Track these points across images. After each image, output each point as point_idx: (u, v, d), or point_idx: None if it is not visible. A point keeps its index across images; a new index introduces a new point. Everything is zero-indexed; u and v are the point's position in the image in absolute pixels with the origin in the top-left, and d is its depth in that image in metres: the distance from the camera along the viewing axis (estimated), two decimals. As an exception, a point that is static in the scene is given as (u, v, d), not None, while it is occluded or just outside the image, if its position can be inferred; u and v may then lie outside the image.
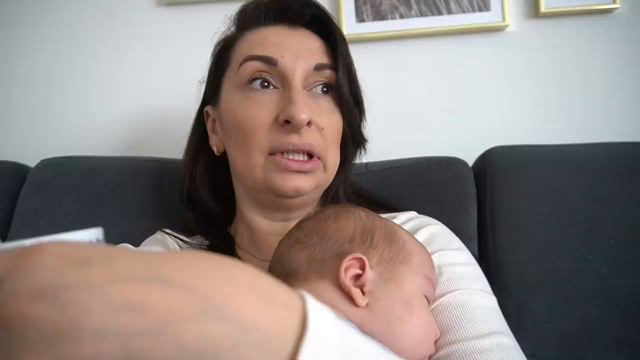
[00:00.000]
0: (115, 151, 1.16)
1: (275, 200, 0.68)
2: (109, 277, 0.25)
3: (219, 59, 0.75)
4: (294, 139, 0.64)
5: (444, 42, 1.16)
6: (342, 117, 0.71)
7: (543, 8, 1.11)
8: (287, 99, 0.65)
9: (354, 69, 0.74)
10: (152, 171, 0.99)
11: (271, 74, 0.67)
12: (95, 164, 1.02)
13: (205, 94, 0.78)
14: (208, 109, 0.77)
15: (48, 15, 1.22)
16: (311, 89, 0.69)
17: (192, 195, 0.78)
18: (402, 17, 1.15)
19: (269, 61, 0.67)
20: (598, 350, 0.79)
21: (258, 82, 0.67)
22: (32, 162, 1.05)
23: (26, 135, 1.22)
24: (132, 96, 1.21)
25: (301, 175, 0.65)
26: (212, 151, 0.76)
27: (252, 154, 0.66)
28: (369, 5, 1.15)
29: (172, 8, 1.21)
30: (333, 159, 0.70)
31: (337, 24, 0.73)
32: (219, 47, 0.76)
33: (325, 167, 0.68)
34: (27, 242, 0.30)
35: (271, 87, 0.67)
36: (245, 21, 0.73)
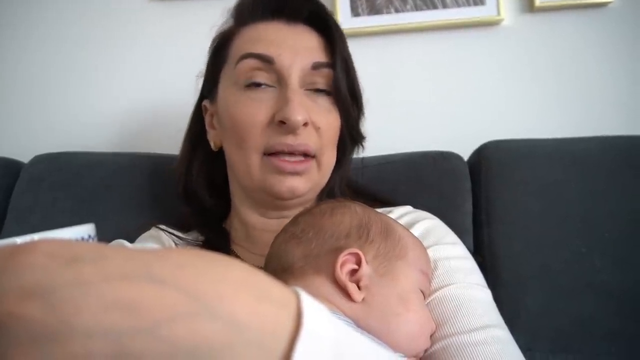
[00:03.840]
0: (110, 147, 1.15)
1: (271, 201, 0.68)
2: (101, 275, 0.25)
3: (217, 54, 0.74)
4: (289, 140, 0.64)
5: (439, 37, 1.15)
6: (340, 116, 0.70)
7: (538, 2, 1.11)
8: (283, 98, 0.64)
9: (353, 66, 0.73)
10: (147, 167, 0.99)
11: (268, 72, 0.66)
12: (89, 159, 1.01)
13: (203, 88, 0.78)
14: (206, 103, 0.76)
15: (42, 12, 1.22)
16: (308, 87, 0.68)
17: (188, 188, 0.78)
18: (397, 11, 1.14)
19: (266, 59, 0.66)
20: (592, 343, 0.79)
21: (254, 80, 0.66)
22: (25, 157, 1.05)
23: (20, 131, 1.21)
24: (126, 92, 1.20)
25: (295, 177, 0.65)
26: (209, 145, 0.75)
27: (248, 153, 0.66)
28: (364, 0, 1.15)
29: (165, 3, 1.20)
30: (328, 158, 0.70)
31: (336, 20, 0.72)
32: (216, 42, 0.75)
33: (319, 166, 0.68)
34: (18, 239, 0.30)
35: (268, 85, 0.67)
36: (243, 16, 0.72)
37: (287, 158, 0.64)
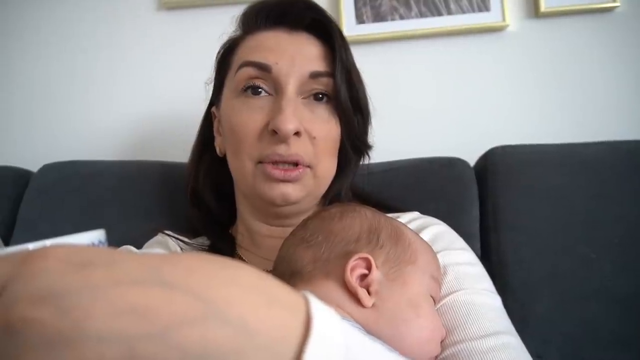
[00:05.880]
0: (117, 155, 1.16)
1: (268, 208, 0.68)
2: (112, 280, 0.25)
3: (222, 61, 0.75)
4: (281, 150, 0.63)
5: (444, 43, 1.16)
6: (340, 125, 0.70)
7: (543, 8, 1.11)
8: (277, 107, 0.64)
9: (356, 74, 0.72)
10: (154, 175, 0.99)
11: (265, 81, 0.67)
12: (97, 168, 1.02)
13: (212, 94, 0.79)
14: (214, 109, 0.77)
15: (49, 20, 1.23)
16: (307, 96, 0.68)
17: (196, 191, 0.78)
18: (402, 18, 1.15)
19: (263, 68, 0.66)
20: (601, 349, 0.79)
21: (252, 88, 0.67)
22: (34, 167, 1.06)
23: (28, 141, 1.22)
24: (133, 100, 1.21)
25: (287, 184, 0.64)
26: (216, 151, 0.76)
27: (243, 160, 0.66)
28: (368, 7, 1.15)
29: (173, 12, 1.21)
30: (325, 167, 0.69)
31: (338, 27, 0.72)
32: (222, 50, 0.76)
33: (315, 175, 0.67)
34: (31, 245, 0.30)
35: (265, 93, 0.67)
36: (247, 24, 0.73)
37: (279, 166, 0.64)
